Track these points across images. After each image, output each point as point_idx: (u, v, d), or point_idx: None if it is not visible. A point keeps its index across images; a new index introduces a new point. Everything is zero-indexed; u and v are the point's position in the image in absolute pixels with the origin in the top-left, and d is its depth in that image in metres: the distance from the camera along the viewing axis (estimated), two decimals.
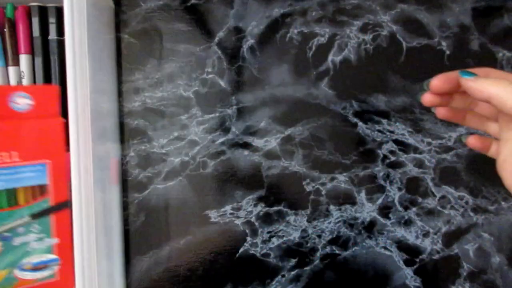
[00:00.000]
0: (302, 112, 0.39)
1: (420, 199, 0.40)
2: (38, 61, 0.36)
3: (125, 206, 0.40)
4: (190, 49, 0.39)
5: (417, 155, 0.40)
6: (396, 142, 0.40)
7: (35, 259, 0.35)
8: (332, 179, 0.40)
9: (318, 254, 0.40)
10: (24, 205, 0.34)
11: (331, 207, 0.40)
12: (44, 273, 0.35)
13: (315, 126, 0.40)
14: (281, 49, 0.39)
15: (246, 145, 0.40)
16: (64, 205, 0.33)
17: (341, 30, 0.39)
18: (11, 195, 0.34)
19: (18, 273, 0.34)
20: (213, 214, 0.40)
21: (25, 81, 0.36)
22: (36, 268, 0.35)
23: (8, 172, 0.33)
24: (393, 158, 0.40)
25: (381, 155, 0.40)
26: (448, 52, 0.39)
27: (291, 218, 0.40)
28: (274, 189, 0.40)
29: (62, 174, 0.32)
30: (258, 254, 0.40)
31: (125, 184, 0.39)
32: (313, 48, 0.39)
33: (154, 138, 0.39)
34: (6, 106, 0.32)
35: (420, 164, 0.40)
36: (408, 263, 0.40)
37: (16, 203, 0.34)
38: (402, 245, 0.40)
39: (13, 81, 0.36)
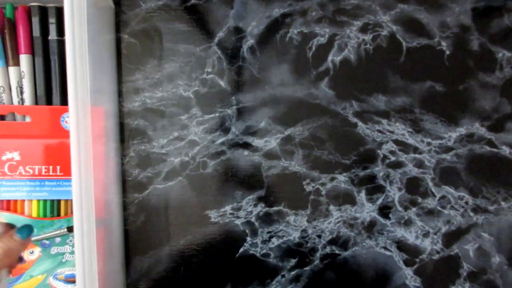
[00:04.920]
0: (302, 112, 0.39)
1: (420, 199, 0.40)
2: (39, 61, 0.36)
3: (125, 206, 0.40)
4: (190, 49, 0.39)
5: (417, 155, 0.40)
6: (396, 142, 0.40)
7: (68, 271, 0.36)
8: (332, 179, 0.40)
9: (318, 254, 0.40)
10: (63, 217, 0.36)
11: (331, 207, 0.40)
12: (73, 287, 0.36)
13: (315, 126, 0.40)
14: (281, 49, 0.39)
15: (246, 145, 0.40)
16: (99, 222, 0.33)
17: (341, 30, 0.39)
18: (54, 206, 0.36)
19: (52, 282, 0.36)
20: (213, 214, 0.40)
21: (26, 81, 0.36)
22: (67, 280, 0.36)
23: (52, 184, 0.35)
24: (393, 158, 0.40)
25: (381, 155, 0.40)
26: (448, 52, 0.39)
27: (291, 218, 0.40)
28: (274, 189, 0.40)
29: (100, 192, 0.33)
30: (258, 254, 0.40)
31: (125, 184, 0.40)
32: (313, 48, 0.39)
33: (154, 138, 0.39)
34: (58, 125, 0.35)
35: (420, 164, 0.40)
36: (408, 263, 0.40)
37: (58, 214, 0.36)
38: (402, 245, 0.40)
39: (13, 81, 0.36)
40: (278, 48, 0.39)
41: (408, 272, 0.40)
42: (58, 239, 0.36)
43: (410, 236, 0.40)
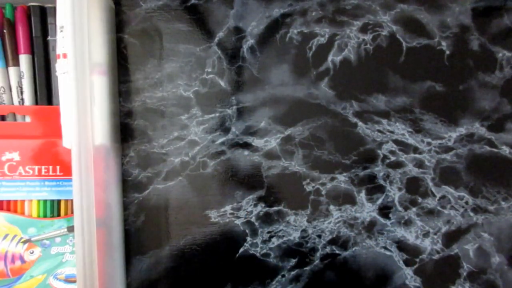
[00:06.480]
0: (302, 112, 0.39)
1: (420, 199, 0.40)
2: (38, 61, 0.36)
3: (125, 206, 0.40)
4: (190, 49, 0.39)
5: (417, 155, 0.40)
6: (396, 142, 0.40)
7: (68, 271, 0.36)
8: (332, 179, 0.40)
9: (318, 254, 0.40)
10: (63, 217, 0.36)
11: (331, 207, 0.40)
12: (74, 287, 0.36)
13: (315, 126, 0.40)
14: (281, 49, 0.39)
15: (246, 145, 0.40)
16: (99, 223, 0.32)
17: (341, 30, 0.39)
18: (54, 206, 0.36)
19: (52, 282, 0.36)
20: (213, 214, 0.40)
21: (25, 81, 0.36)
22: (68, 280, 0.36)
23: (52, 184, 0.35)
24: (393, 158, 0.40)
25: (381, 155, 0.40)
26: (448, 52, 0.39)
27: (291, 218, 0.40)
28: (274, 189, 0.40)
29: (101, 191, 0.33)
30: (258, 254, 0.40)
31: (125, 184, 0.39)
32: (313, 48, 0.39)
33: (154, 138, 0.39)
34: (58, 125, 0.34)
35: (420, 164, 0.40)
36: (408, 263, 0.40)
37: (58, 214, 0.36)
38: (402, 245, 0.40)
39: (13, 82, 0.36)
40: (278, 48, 0.39)
41: (408, 272, 0.40)
42: (58, 239, 0.36)
43: (410, 236, 0.40)
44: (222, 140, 0.39)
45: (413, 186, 0.40)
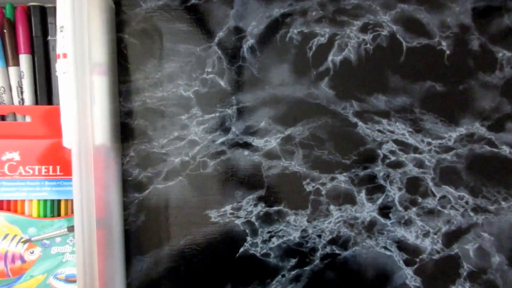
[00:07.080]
0: (302, 112, 0.39)
1: (420, 199, 0.40)
2: (39, 61, 0.36)
3: (125, 206, 0.40)
4: (190, 49, 0.39)
5: (417, 155, 0.40)
6: (396, 142, 0.40)
7: (68, 271, 0.36)
8: (332, 179, 0.40)
9: (318, 254, 0.40)
10: (64, 217, 0.36)
11: (331, 207, 0.40)
12: (74, 287, 0.36)
13: (315, 126, 0.40)
14: (281, 49, 0.39)
15: (246, 145, 0.40)
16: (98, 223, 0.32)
17: (341, 30, 0.39)
18: (54, 206, 0.36)
19: (53, 281, 0.36)
20: (213, 214, 0.40)
21: (25, 81, 0.36)
22: (68, 280, 0.36)
23: (52, 184, 0.35)
24: (393, 158, 0.40)
25: (381, 155, 0.40)
26: (448, 52, 0.39)
27: (291, 218, 0.40)
28: (274, 189, 0.40)
29: (101, 191, 0.33)
30: (258, 254, 0.40)
31: (125, 184, 0.40)
32: (313, 48, 0.39)
33: (154, 138, 0.39)
34: (58, 125, 0.34)
35: (420, 164, 0.40)
36: (408, 263, 0.40)
37: (58, 214, 0.36)
38: (402, 245, 0.40)
39: (13, 82, 0.36)
40: (278, 48, 0.39)
41: (408, 272, 0.40)
42: (58, 239, 0.36)
43: (410, 236, 0.40)
44: (222, 140, 0.39)
45: (413, 186, 0.40)
